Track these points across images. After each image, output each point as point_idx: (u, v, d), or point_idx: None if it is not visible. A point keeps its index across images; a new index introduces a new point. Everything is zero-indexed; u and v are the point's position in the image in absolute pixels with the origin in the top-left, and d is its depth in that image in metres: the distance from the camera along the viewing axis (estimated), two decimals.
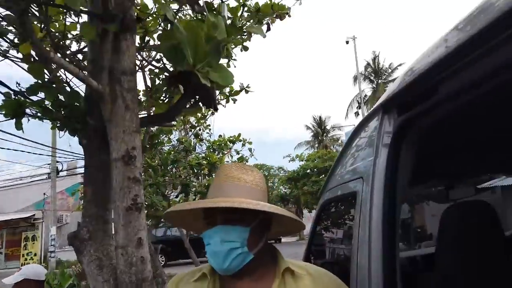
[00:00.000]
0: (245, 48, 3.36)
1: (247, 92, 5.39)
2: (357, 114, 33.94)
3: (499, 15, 0.75)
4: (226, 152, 8.28)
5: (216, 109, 1.42)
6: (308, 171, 27.25)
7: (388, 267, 1.26)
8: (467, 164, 2.01)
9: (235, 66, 4.76)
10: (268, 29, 2.22)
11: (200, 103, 1.64)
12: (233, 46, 2.57)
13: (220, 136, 8.59)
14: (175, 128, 8.18)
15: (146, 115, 1.79)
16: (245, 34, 2.10)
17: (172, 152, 7.59)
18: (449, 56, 0.98)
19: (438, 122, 1.33)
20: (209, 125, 8.41)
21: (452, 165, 1.97)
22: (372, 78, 35.11)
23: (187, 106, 1.67)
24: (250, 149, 8.65)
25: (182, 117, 7.25)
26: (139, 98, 2.95)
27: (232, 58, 4.59)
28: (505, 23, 0.76)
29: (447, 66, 1.03)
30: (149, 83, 2.56)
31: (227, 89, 5.23)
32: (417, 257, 2.39)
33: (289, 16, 2.92)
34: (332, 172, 2.08)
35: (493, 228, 1.32)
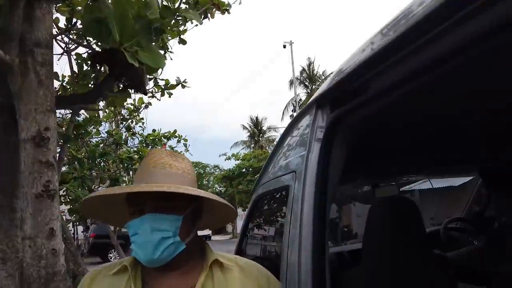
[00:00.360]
0: (183, 42, 3.26)
1: (183, 86, 5.25)
2: (292, 117, 34.94)
3: (418, 21, 0.82)
4: (160, 148, 8.01)
5: (145, 93, 1.33)
6: (244, 170, 27.49)
7: (318, 262, 1.27)
8: (392, 163, 2.13)
9: (171, 59, 4.62)
10: (205, 16, 2.16)
11: (129, 89, 1.54)
12: (169, 37, 2.47)
13: (154, 130, 8.29)
14: (104, 120, 7.73)
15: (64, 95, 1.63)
16: (180, 19, 2.01)
17: (101, 145, 7.16)
18: (374, 58, 1.04)
19: (366, 120, 1.38)
20: (142, 119, 8.08)
21: (378, 164, 2.07)
22: (306, 83, 36.34)
23: (115, 90, 1.55)
24: (185, 145, 8.47)
25: (112, 108, 6.87)
26: (64, 84, 2.73)
27: (169, 50, 4.44)
28: (422, 29, 0.83)
29: (372, 67, 1.09)
30: (75, 69, 2.36)
31: (163, 82, 5.06)
32: (346, 253, 2.48)
33: (229, 13, 2.89)
34: (265, 167, 2.08)
35: (415, 223, 1.39)
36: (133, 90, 1.41)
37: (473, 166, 2.31)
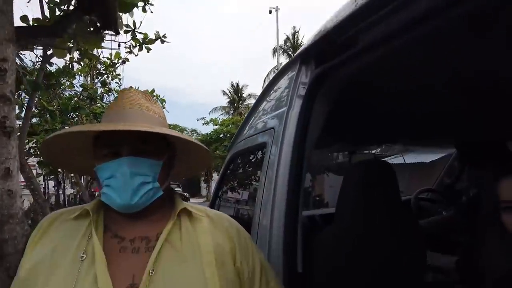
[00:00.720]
0: None
1: (162, 41, 5.03)
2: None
3: None
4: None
5: (117, 33, 1.22)
6: (221, 135, 27.41)
7: (291, 221, 1.25)
8: (372, 128, 2.11)
9: (151, 12, 4.39)
10: None
11: (101, 30, 1.42)
12: None
13: (131, 87, 8.03)
14: (79, 73, 7.41)
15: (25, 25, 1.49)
16: None
17: (75, 99, 6.89)
18: (363, 9, 1.02)
19: (350, 79, 1.33)
20: (118, 75, 7.80)
21: (357, 127, 2.05)
22: (290, 53, 35.86)
23: (89, 29, 1.43)
24: (163, 106, 8.28)
25: (87, 61, 6.57)
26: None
27: (149, 2, 4.20)
28: None
29: (361, 19, 1.06)
30: (47, 13, 2.18)
31: (141, 36, 4.83)
32: (318, 217, 2.50)
33: None
34: (243, 124, 2.02)
35: (390, 185, 1.39)
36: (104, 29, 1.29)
37: (450, 139, 2.33)
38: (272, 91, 1.75)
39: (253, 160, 1.94)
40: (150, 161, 0.93)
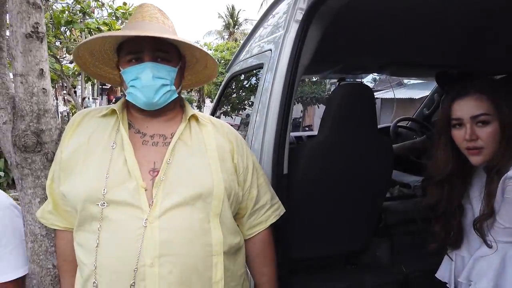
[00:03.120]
0: None
1: None
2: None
3: None
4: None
5: None
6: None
7: (282, 126, 1.46)
8: (361, 56, 2.26)
9: None
10: None
11: None
12: None
13: (124, 3, 7.76)
14: None
15: None
16: None
17: (67, 11, 6.69)
18: None
19: (347, 5, 1.45)
20: None
21: (347, 54, 2.20)
22: None
23: None
24: None
25: None
26: None
27: None
28: None
29: None
30: None
31: None
32: (305, 137, 2.74)
33: None
34: (243, 44, 2.14)
35: (368, 105, 1.59)
36: None
37: (431, 70, 2.49)
38: (271, 15, 1.86)
39: (250, 81, 2.11)
40: (168, 67, 1.09)
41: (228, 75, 2.27)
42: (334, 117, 1.58)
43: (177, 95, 1.14)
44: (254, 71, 1.91)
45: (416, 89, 10.46)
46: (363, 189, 1.71)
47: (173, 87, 1.11)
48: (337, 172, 1.63)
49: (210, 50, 28.06)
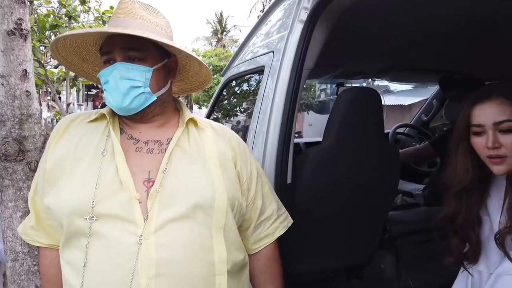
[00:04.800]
0: None
1: None
2: (259, 17, 33.41)
3: None
4: None
5: None
6: None
7: (285, 134, 1.38)
8: (366, 59, 2.20)
9: None
10: None
11: None
12: None
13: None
14: None
15: None
16: None
17: (52, 16, 6.52)
18: None
19: (352, 8, 1.38)
20: None
21: (350, 58, 2.13)
22: None
23: None
24: None
25: None
26: None
27: None
28: None
29: None
30: None
31: None
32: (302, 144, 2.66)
33: None
34: (240, 48, 2.05)
35: (376, 111, 1.52)
36: None
37: (433, 75, 2.45)
38: (272, 15, 1.78)
39: (249, 86, 2.02)
40: (141, 67, 0.99)
41: (224, 79, 2.18)
42: (340, 123, 1.50)
43: (155, 98, 1.02)
44: (254, 75, 1.82)
45: (405, 96, 10.54)
46: (369, 199, 1.63)
47: (148, 89, 1.00)
48: (343, 181, 1.55)
49: (199, 56, 28.02)
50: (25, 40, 1.08)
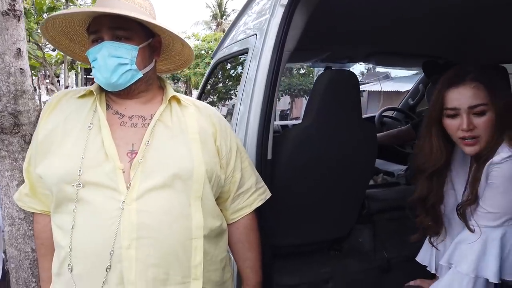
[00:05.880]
0: None
1: None
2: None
3: None
4: None
5: None
6: (203, 52, 26.57)
7: (266, 112, 1.46)
8: (347, 45, 2.26)
9: None
10: None
11: None
12: None
13: None
14: None
15: None
16: None
17: None
18: None
19: None
20: None
21: (332, 42, 2.19)
22: None
23: None
24: None
25: None
26: None
27: None
28: None
29: None
30: None
31: None
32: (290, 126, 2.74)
33: None
34: (227, 32, 2.12)
35: (352, 91, 1.60)
36: None
37: (418, 60, 2.52)
38: (256, 0, 1.84)
39: (236, 69, 2.09)
40: (127, 45, 1.06)
41: (213, 61, 2.25)
42: (319, 103, 1.58)
43: (141, 75, 1.10)
44: (240, 58, 1.89)
45: (403, 82, 10.59)
46: (347, 175, 1.72)
47: (134, 67, 1.07)
48: (322, 159, 1.63)
49: (198, 40, 27.73)
50: (19, 20, 1.15)
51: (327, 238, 1.87)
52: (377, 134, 2.54)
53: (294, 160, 1.60)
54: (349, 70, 1.63)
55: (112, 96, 1.14)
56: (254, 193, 1.30)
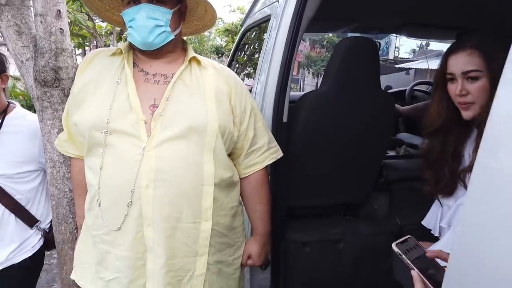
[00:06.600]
0: None
1: None
2: None
3: None
4: None
5: None
6: None
7: (283, 76, 1.52)
8: (378, 15, 2.22)
9: None
10: None
11: None
12: None
13: None
14: None
15: None
16: None
17: None
18: None
19: None
20: None
21: (363, 12, 2.17)
22: None
23: None
24: None
25: None
26: None
27: None
28: None
29: None
30: None
31: None
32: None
33: None
34: (254, 3, 2.16)
35: (371, 60, 1.61)
36: None
37: (451, 32, 2.43)
38: None
39: (261, 35, 2.14)
40: (163, 8, 1.17)
41: (243, 28, 2.31)
42: (337, 70, 1.61)
43: (173, 37, 1.21)
44: (264, 24, 1.94)
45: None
46: (363, 142, 1.76)
47: (168, 29, 1.18)
48: (337, 124, 1.68)
49: (243, 13, 27.56)
50: None
51: (341, 202, 1.93)
52: (405, 107, 2.52)
53: (310, 123, 1.66)
54: (368, 38, 1.64)
55: (140, 55, 1.26)
56: (266, 152, 1.39)
